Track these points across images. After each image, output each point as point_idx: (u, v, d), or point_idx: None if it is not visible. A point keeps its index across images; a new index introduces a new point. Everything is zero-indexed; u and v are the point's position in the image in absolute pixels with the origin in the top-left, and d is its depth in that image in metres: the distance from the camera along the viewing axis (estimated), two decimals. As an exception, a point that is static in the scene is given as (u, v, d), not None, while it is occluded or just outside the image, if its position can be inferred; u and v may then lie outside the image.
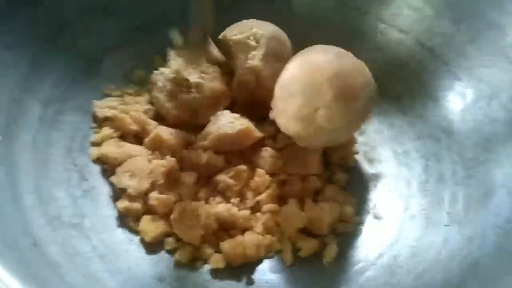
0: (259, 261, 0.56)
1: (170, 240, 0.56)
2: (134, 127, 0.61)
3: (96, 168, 0.59)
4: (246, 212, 0.57)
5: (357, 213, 0.60)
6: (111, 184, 0.58)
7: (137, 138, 0.62)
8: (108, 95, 0.64)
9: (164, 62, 0.64)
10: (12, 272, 0.42)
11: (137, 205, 0.56)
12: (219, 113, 0.60)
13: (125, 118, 0.61)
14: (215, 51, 0.64)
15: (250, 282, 0.55)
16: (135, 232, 0.56)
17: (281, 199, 0.59)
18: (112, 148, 0.59)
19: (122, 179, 0.57)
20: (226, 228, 0.57)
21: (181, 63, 0.61)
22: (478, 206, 0.56)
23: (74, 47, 0.62)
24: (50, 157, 0.56)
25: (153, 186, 0.56)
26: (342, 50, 0.55)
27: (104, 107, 0.61)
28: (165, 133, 0.59)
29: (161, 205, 0.56)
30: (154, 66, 0.64)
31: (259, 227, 0.57)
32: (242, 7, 0.68)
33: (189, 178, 0.57)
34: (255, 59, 0.60)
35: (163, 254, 0.56)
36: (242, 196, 0.58)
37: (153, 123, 0.62)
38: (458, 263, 0.53)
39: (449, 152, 0.61)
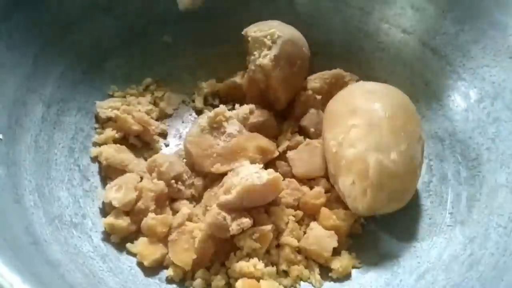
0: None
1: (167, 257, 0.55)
2: (136, 127, 0.61)
3: (98, 169, 0.59)
4: (273, 269, 0.55)
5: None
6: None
7: (139, 138, 0.62)
8: (111, 96, 0.64)
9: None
10: (13, 270, 0.42)
11: (121, 222, 0.55)
12: (237, 164, 0.58)
13: (127, 118, 0.61)
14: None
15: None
16: (133, 255, 0.55)
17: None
18: (112, 152, 0.59)
19: (109, 192, 0.56)
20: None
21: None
22: (481, 206, 0.56)
23: (77, 48, 0.62)
24: (52, 157, 0.57)
25: (146, 209, 0.56)
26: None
27: (107, 107, 0.62)
28: (162, 160, 0.58)
29: (159, 224, 0.55)
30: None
31: (283, 264, 0.55)
32: (247, 7, 0.69)
33: (184, 208, 0.57)
34: (266, 58, 0.60)
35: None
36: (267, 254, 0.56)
37: (155, 123, 0.62)
38: (461, 263, 0.53)
39: (452, 152, 0.61)
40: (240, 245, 0.54)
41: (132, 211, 0.56)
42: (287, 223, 0.56)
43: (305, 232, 0.57)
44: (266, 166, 0.58)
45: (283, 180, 0.57)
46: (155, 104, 0.65)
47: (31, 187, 0.53)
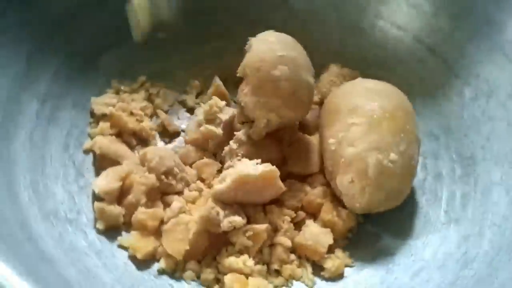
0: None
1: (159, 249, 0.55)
2: (131, 125, 0.61)
3: (93, 164, 0.59)
4: (263, 268, 0.55)
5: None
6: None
7: (134, 136, 0.62)
8: (105, 92, 0.63)
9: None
10: (8, 265, 0.42)
11: (112, 209, 0.55)
12: (237, 159, 0.57)
13: (122, 116, 0.60)
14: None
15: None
16: (125, 248, 0.55)
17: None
18: (106, 142, 0.59)
19: (96, 180, 0.56)
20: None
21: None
22: (476, 205, 0.56)
23: (70, 44, 0.62)
24: (47, 153, 0.56)
25: (136, 203, 0.56)
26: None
27: (102, 103, 0.61)
28: (152, 155, 0.57)
29: (149, 218, 0.55)
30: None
31: (275, 263, 0.55)
32: (242, 3, 0.68)
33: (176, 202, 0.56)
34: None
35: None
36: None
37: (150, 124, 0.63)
38: (455, 261, 0.53)
39: (447, 150, 0.61)
40: (233, 241, 0.54)
41: (123, 204, 0.55)
42: (283, 223, 0.56)
43: (300, 229, 0.57)
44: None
45: (283, 182, 0.56)
46: (150, 100, 0.65)
47: (26, 184, 0.52)
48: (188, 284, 0.53)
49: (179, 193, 0.58)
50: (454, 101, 0.62)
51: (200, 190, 0.58)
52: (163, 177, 0.57)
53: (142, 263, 0.54)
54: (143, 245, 0.54)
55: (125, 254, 0.54)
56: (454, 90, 0.62)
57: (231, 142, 0.58)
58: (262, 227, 0.54)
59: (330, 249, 0.56)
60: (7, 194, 0.50)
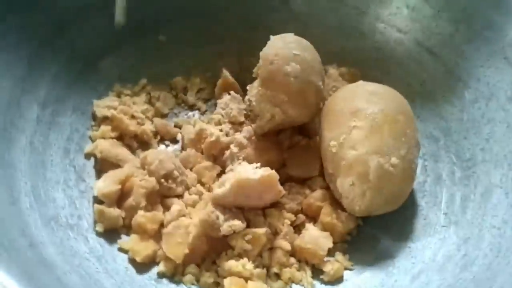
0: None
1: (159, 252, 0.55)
2: (133, 128, 0.61)
3: (94, 169, 0.59)
4: (263, 271, 0.54)
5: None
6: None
7: (136, 139, 0.62)
8: (106, 95, 0.63)
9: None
10: (9, 272, 0.42)
11: (111, 211, 0.55)
12: (238, 162, 0.58)
13: (123, 119, 0.61)
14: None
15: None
16: (125, 251, 0.55)
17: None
18: (107, 145, 0.59)
19: (96, 183, 0.56)
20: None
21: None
22: (475, 207, 0.56)
23: (71, 48, 0.62)
24: (48, 158, 0.56)
25: (137, 206, 0.56)
26: None
27: (104, 106, 0.61)
28: (152, 158, 0.58)
29: (149, 222, 0.55)
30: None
31: (275, 266, 0.55)
32: (242, 6, 0.68)
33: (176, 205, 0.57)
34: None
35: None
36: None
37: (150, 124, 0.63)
38: (455, 264, 0.53)
39: (447, 152, 0.61)
40: (233, 244, 0.54)
41: (123, 207, 0.56)
42: (283, 226, 0.56)
43: (300, 233, 0.57)
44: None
45: (283, 185, 0.56)
46: (151, 103, 0.65)
47: (26, 189, 0.52)
48: (188, 288, 0.54)
49: (179, 196, 0.58)
50: (454, 103, 0.62)
51: (200, 194, 0.58)
52: (163, 180, 0.57)
53: (142, 267, 0.54)
54: (143, 248, 0.54)
55: (125, 258, 0.54)
56: (454, 92, 0.62)
57: (232, 146, 0.59)
58: (261, 230, 0.54)
59: (330, 252, 0.56)
60: (8, 200, 0.50)
